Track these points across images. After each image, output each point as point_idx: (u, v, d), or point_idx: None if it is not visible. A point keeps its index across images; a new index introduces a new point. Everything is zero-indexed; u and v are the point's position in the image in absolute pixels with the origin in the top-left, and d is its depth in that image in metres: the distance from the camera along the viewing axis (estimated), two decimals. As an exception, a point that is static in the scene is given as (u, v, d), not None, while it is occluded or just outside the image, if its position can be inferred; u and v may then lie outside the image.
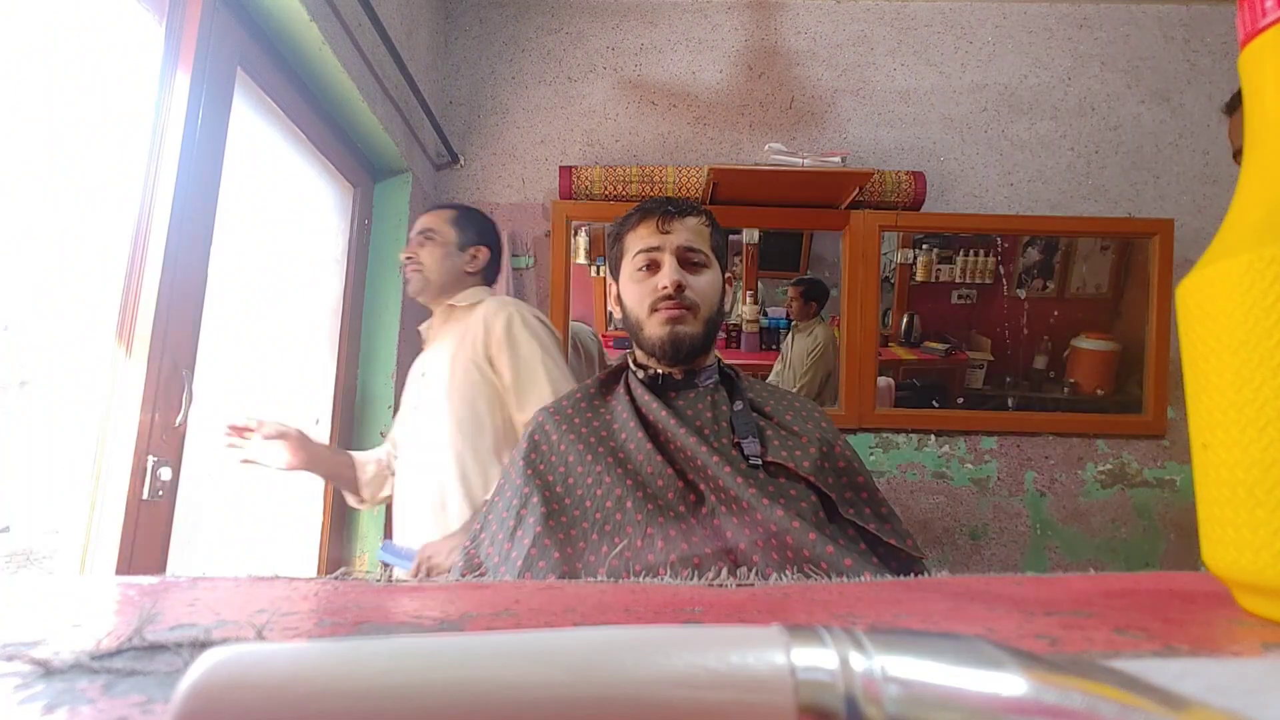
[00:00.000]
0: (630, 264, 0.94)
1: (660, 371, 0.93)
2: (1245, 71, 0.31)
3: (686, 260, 0.92)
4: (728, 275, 0.99)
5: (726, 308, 0.99)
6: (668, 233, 0.92)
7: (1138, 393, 2.10)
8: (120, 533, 1.01)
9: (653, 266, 0.92)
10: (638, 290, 0.93)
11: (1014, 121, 2.20)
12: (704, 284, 0.92)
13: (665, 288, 0.89)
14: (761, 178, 1.94)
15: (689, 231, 0.93)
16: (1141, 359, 2.09)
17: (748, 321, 2.23)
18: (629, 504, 0.78)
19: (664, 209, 0.94)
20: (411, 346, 2.01)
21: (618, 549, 0.74)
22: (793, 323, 2.31)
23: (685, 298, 0.90)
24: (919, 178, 2.08)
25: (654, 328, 0.91)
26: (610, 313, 2.45)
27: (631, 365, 0.96)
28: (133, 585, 0.35)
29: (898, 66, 2.23)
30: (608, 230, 1.02)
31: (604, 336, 2.49)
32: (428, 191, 2.09)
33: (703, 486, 0.80)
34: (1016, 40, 2.24)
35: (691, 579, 0.38)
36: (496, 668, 0.16)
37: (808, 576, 0.54)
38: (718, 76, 2.22)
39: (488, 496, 1.03)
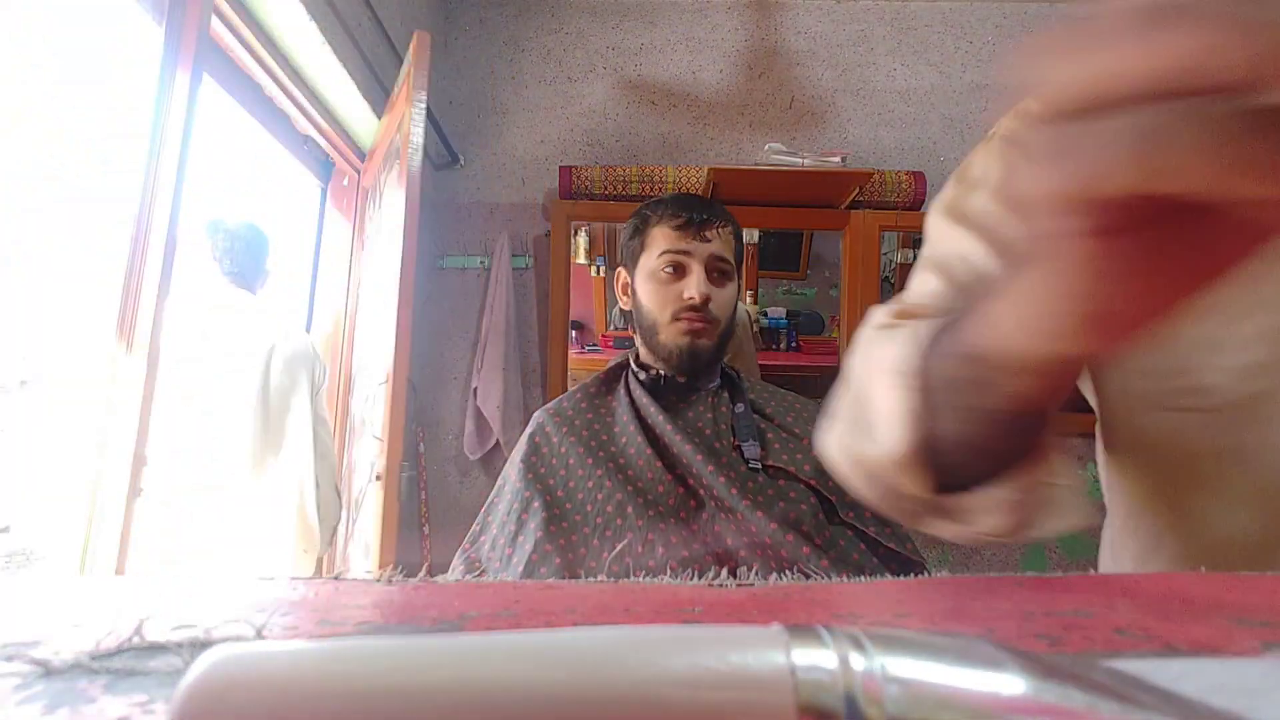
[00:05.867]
0: (653, 261, 0.90)
1: (663, 374, 0.92)
2: None
3: (715, 270, 0.90)
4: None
5: (738, 313, 0.98)
6: (702, 239, 0.89)
7: (1138, 393, 2.10)
8: (120, 533, 1.01)
9: (679, 270, 0.89)
10: (660, 292, 0.90)
11: (1014, 121, 2.20)
12: (726, 297, 0.91)
13: (692, 298, 0.87)
14: (761, 178, 1.93)
15: (721, 241, 0.90)
16: (1142, 359, 2.09)
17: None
18: (629, 509, 0.78)
19: (702, 213, 0.90)
20: (412, 346, 2.01)
21: (616, 552, 0.74)
22: None
23: (709, 311, 0.88)
24: (919, 177, 2.08)
25: (672, 336, 0.89)
26: (610, 312, 2.45)
27: (633, 365, 0.96)
28: (133, 585, 0.35)
29: (898, 66, 2.23)
30: (631, 222, 0.96)
31: (603, 336, 2.49)
32: (427, 192, 2.09)
33: (701, 492, 0.80)
34: (1016, 40, 2.24)
35: (692, 582, 0.38)
36: (496, 668, 0.16)
37: (807, 577, 0.54)
38: (718, 76, 2.22)
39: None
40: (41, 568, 0.95)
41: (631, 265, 0.95)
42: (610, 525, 0.77)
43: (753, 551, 0.73)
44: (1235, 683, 0.21)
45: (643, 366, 0.94)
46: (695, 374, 0.91)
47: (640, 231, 0.94)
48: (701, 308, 0.87)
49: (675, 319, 0.88)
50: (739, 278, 0.95)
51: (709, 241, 0.89)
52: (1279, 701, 0.20)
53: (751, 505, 0.76)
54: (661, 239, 0.90)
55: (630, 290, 0.96)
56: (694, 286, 0.87)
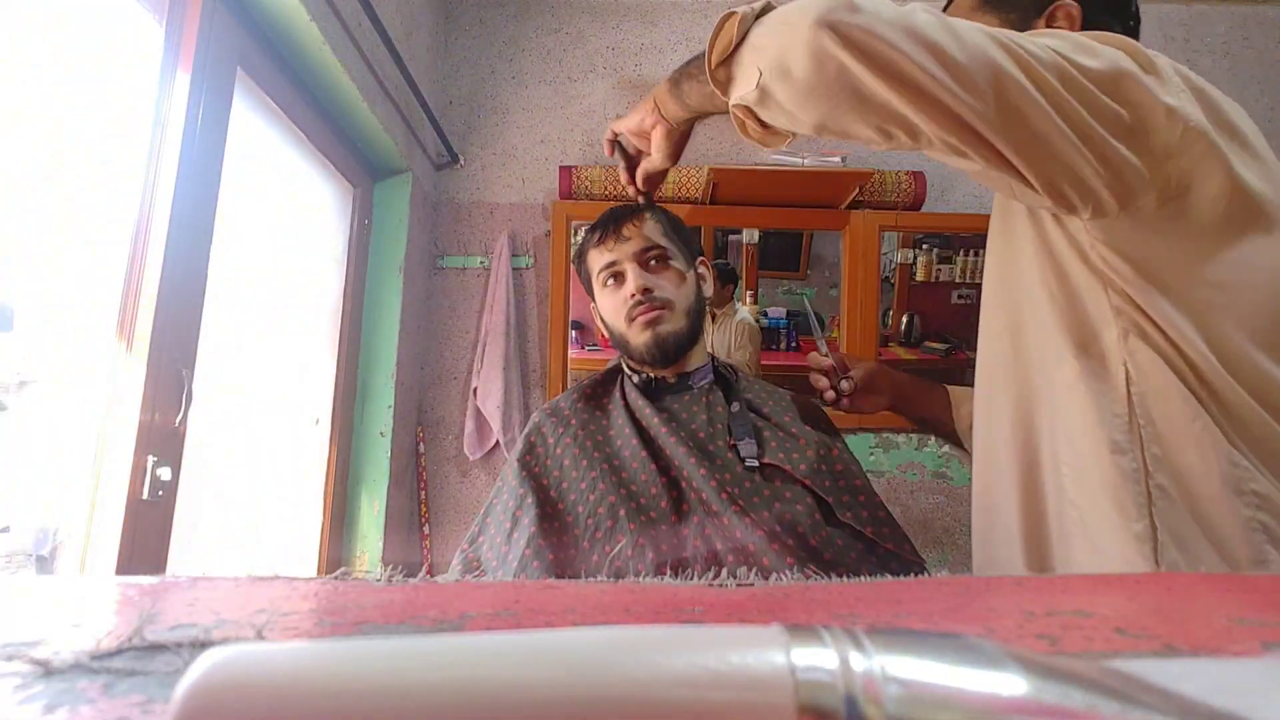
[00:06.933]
0: (598, 281, 0.95)
1: (653, 375, 0.93)
2: None
3: (646, 262, 0.92)
4: (700, 260, 0.98)
5: (707, 294, 0.98)
6: (620, 241, 0.92)
7: (1138, 393, 2.10)
8: (120, 533, 1.01)
9: (618, 278, 0.92)
10: (612, 303, 0.93)
11: (1014, 122, 2.20)
12: (670, 279, 0.92)
13: (634, 294, 0.89)
14: (761, 178, 1.93)
15: (640, 234, 0.92)
16: (1141, 359, 2.09)
17: (748, 321, 2.22)
18: (622, 512, 0.78)
19: (611, 220, 0.94)
20: (412, 346, 2.02)
21: (609, 558, 0.74)
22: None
23: (656, 298, 0.90)
24: (919, 178, 2.08)
25: (636, 336, 0.90)
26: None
27: (626, 369, 0.96)
28: (133, 585, 0.35)
29: (898, 67, 2.23)
30: (576, 260, 1.02)
31: (603, 336, 2.48)
32: (428, 191, 2.09)
33: (692, 496, 0.80)
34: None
35: (692, 582, 0.38)
36: (496, 668, 0.16)
37: (807, 577, 0.54)
38: (718, 76, 2.22)
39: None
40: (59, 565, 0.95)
41: (592, 296, 0.99)
42: (601, 528, 0.77)
43: (739, 558, 0.73)
44: (1235, 683, 0.21)
45: (634, 370, 0.95)
46: (669, 363, 0.91)
47: (582, 261, 0.98)
48: (645, 297, 0.89)
49: (631, 319, 0.90)
50: (691, 255, 0.96)
51: (628, 240, 0.92)
52: (1279, 701, 0.20)
53: (741, 510, 0.76)
54: (594, 260, 0.94)
55: (600, 317, 0.98)
56: (631, 284, 0.90)
